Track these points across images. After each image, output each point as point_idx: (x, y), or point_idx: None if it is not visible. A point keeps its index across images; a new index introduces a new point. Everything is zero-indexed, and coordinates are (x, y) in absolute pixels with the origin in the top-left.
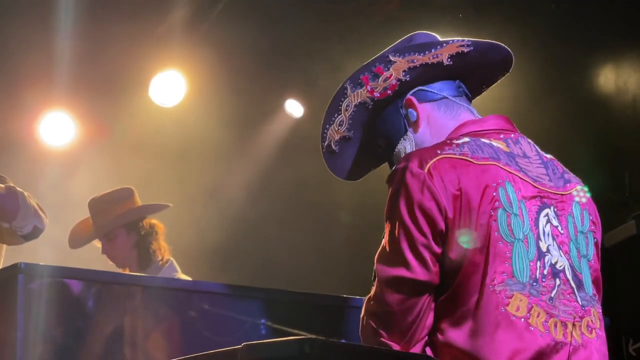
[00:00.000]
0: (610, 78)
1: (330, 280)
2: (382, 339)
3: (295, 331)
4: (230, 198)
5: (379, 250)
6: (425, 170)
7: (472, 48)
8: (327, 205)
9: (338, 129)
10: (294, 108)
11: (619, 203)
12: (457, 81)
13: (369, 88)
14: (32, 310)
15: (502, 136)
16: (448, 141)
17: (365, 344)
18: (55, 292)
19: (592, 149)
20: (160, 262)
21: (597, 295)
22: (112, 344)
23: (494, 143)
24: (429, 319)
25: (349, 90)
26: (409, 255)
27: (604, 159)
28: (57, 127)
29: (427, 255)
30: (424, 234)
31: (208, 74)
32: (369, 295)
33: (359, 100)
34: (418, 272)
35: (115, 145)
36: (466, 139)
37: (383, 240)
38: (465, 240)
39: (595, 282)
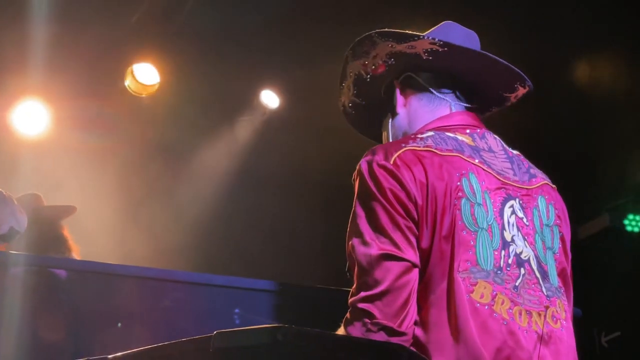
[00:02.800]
0: (585, 72)
1: (306, 271)
2: (377, 320)
3: (270, 321)
4: (205, 189)
5: (353, 239)
6: (391, 162)
7: (446, 49)
8: (301, 196)
9: (348, 94)
10: (270, 99)
11: (594, 195)
12: (452, 83)
13: (362, 61)
14: (6, 298)
15: (468, 131)
16: (412, 136)
17: (355, 333)
18: (28, 280)
19: (568, 142)
20: None
21: (564, 288)
22: (85, 331)
23: (459, 137)
24: (416, 307)
25: (350, 58)
26: (395, 235)
27: (580, 152)
28: (30, 116)
29: (410, 236)
30: (404, 217)
31: (183, 64)
32: (352, 289)
33: (357, 70)
34: (406, 251)
35: (89, 134)
36: (430, 133)
37: (357, 229)
38: (433, 228)
39: (561, 274)
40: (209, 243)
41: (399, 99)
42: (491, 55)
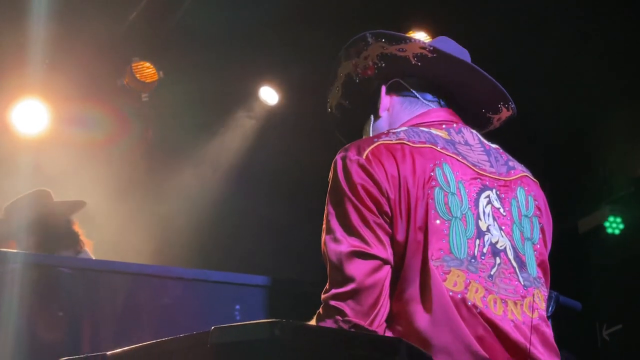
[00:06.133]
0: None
1: (305, 268)
2: (348, 318)
3: (271, 317)
4: (204, 186)
5: (325, 236)
6: (364, 157)
7: (435, 55)
8: (301, 193)
9: (335, 95)
10: (269, 95)
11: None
12: (438, 94)
13: (353, 61)
14: (5, 296)
15: (444, 126)
16: (386, 132)
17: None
18: (26, 278)
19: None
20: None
21: (543, 279)
22: (83, 328)
23: (434, 131)
24: (388, 304)
25: (342, 59)
26: (365, 232)
27: (578, 147)
28: (30, 115)
29: (381, 233)
30: (374, 213)
31: (182, 61)
32: (326, 285)
33: (347, 71)
34: (376, 249)
35: (89, 133)
36: (404, 128)
37: (328, 226)
38: (407, 220)
39: (541, 265)
40: (208, 240)
41: (383, 102)
42: (479, 69)
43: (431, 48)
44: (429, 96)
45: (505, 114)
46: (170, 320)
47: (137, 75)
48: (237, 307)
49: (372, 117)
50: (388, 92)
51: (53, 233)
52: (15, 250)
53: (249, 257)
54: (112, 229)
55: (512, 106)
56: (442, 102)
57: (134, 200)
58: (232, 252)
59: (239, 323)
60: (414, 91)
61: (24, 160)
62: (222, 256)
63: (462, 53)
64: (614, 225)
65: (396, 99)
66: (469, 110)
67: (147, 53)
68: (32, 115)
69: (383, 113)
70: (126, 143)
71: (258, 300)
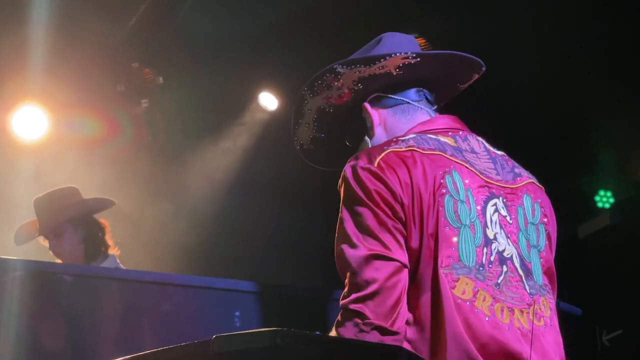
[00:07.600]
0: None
1: (307, 274)
2: (369, 320)
3: (270, 324)
4: (205, 192)
5: (340, 245)
6: (375, 164)
7: (418, 59)
8: (300, 199)
9: (306, 131)
10: (268, 101)
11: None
12: (418, 88)
13: (324, 95)
14: (5, 303)
15: (450, 134)
16: (395, 139)
17: (347, 334)
18: (27, 285)
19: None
20: (104, 256)
21: (549, 286)
22: (85, 337)
23: (441, 138)
24: (406, 308)
25: (307, 97)
26: (384, 236)
27: (580, 151)
28: (30, 121)
29: (399, 237)
30: (391, 218)
31: (182, 67)
32: (343, 292)
33: (318, 105)
34: (395, 252)
35: (88, 139)
36: (412, 135)
37: (344, 233)
38: (420, 227)
39: (547, 272)
40: (208, 246)
41: (374, 119)
42: (458, 52)
43: (414, 54)
44: (413, 95)
45: (475, 78)
46: (170, 327)
47: (137, 81)
48: (237, 313)
49: (366, 138)
50: (373, 107)
51: (96, 230)
52: (15, 258)
53: (249, 263)
54: (110, 235)
55: (483, 68)
56: (428, 95)
57: (134, 207)
58: (231, 258)
59: (240, 332)
60: (398, 97)
61: (24, 166)
62: (221, 262)
63: (410, 42)
64: (604, 199)
65: (384, 111)
66: (443, 89)
67: (147, 59)
68: (32, 121)
69: (377, 129)
70: (126, 149)
71: (258, 306)
